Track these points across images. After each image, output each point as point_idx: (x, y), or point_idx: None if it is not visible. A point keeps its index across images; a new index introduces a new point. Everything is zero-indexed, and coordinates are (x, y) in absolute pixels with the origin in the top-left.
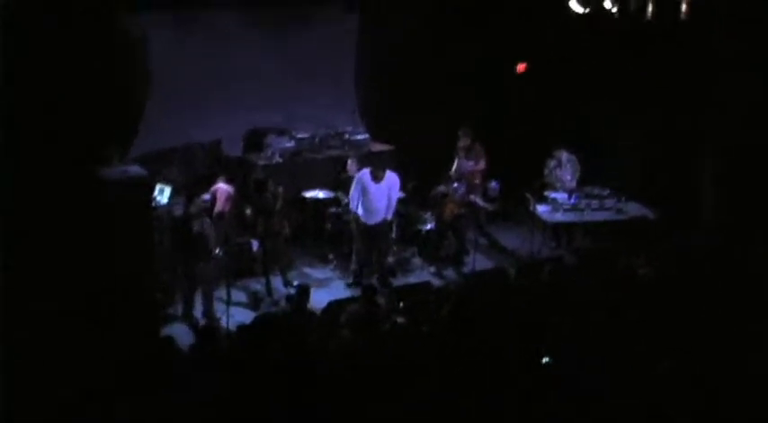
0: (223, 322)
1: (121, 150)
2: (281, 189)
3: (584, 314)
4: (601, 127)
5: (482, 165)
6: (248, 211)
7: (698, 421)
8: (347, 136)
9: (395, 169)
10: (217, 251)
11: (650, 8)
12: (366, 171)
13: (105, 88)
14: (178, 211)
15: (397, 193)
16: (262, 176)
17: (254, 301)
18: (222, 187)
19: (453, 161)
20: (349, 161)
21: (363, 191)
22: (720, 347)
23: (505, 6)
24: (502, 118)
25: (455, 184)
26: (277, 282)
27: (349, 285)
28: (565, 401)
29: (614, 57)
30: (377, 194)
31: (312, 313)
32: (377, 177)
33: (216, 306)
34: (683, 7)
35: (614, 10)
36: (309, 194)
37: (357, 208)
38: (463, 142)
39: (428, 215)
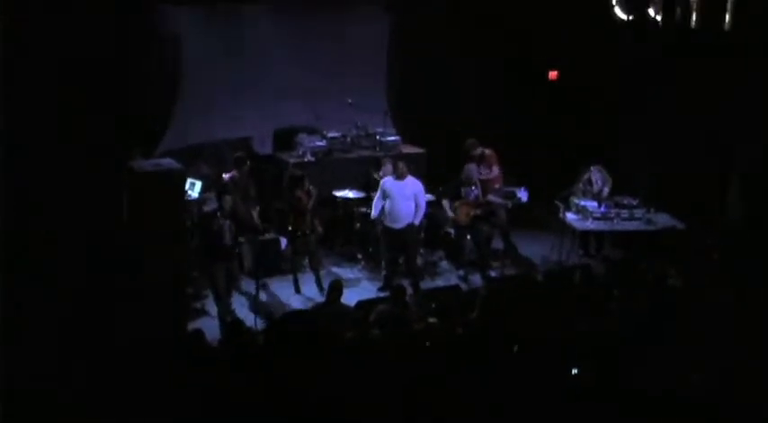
0: (248, 320)
1: (145, 147)
2: (313, 188)
3: (613, 323)
4: (633, 136)
5: (495, 171)
6: (276, 208)
7: None
8: (378, 137)
9: (425, 172)
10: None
11: (694, 17)
12: (389, 177)
13: (134, 84)
14: (208, 206)
15: (424, 199)
16: (299, 173)
17: (281, 300)
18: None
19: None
20: (386, 163)
21: (386, 194)
22: (748, 359)
23: (543, 12)
24: (532, 124)
25: (468, 189)
26: (306, 279)
27: (380, 290)
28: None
29: (651, 65)
30: (401, 197)
31: (346, 309)
32: (399, 175)
33: (237, 301)
34: (727, 17)
35: (658, 18)
36: (340, 194)
37: (379, 214)
38: (474, 153)
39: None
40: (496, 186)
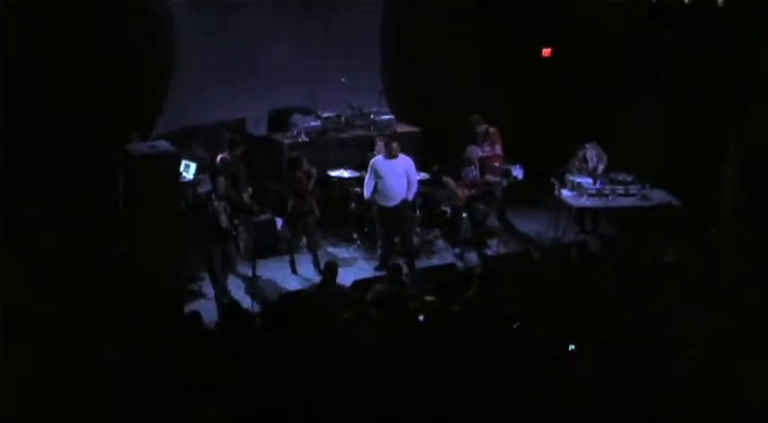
0: (245, 302)
1: (142, 129)
2: (312, 169)
3: (610, 300)
4: (629, 113)
5: (498, 149)
6: (273, 188)
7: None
8: (373, 116)
9: (420, 151)
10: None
11: None
12: (378, 157)
13: (128, 67)
14: (202, 188)
15: (415, 174)
16: (295, 154)
17: (277, 281)
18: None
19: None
20: (378, 142)
21: (378, 175)
22: (743, 337)
23: None
24: (527, 102)
25: (467, 169)
26: (303, 260)
27: (376, 269)
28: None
29: (645, 39)
30: (392, 176)
31: (342, 289)
32: (390, 153)
33: (233, 283)
34: None
35: None
36: (334, 173)
37: (371, 194)
38: (478, 129)
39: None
40: (496, 165)
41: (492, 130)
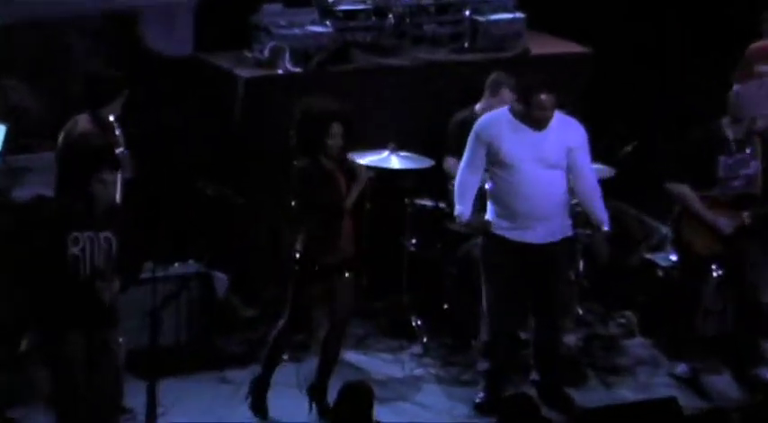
0: None
1: None
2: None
3: None
4: None
5: None
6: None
7: None
8: (469, 13)
9: (587, 106)
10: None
11: None
12: (502, 111)
13: None
14: (23, 189)
15: (590, 164)
16: (334, 107)
17: None
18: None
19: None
20: (497, 84)
21: (497, 160)
22: None
23: None
24: None
25: (730, 158)
26: (281, 375)
27: (478, 408)
28: None
29: None
30: (535, 165)
31: None
32: (531, 111)
33: None
34: None
35: None
36: (368, 160)
37: (470, 211)
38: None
39: (666, 230)
40: None
41: None
